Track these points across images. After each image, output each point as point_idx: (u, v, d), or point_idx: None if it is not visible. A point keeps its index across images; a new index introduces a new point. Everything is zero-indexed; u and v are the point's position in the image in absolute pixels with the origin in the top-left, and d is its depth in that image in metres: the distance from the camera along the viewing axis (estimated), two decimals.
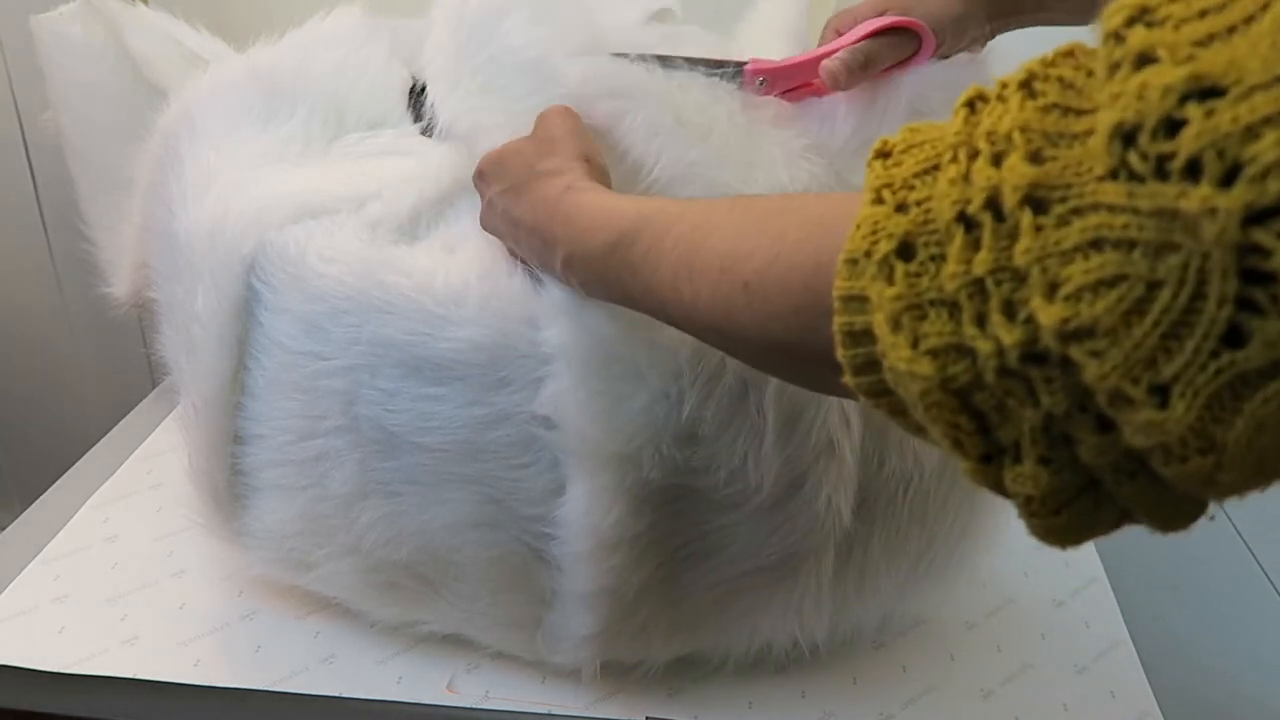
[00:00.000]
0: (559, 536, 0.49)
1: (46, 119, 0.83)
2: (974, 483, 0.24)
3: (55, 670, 0.56)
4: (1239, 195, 0.18)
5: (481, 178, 0.48)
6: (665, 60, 0.50)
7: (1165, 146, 0.19)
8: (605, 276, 0.38)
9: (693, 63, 0.51)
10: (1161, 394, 0.20)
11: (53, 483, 0.75)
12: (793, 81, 0.51)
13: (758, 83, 0.51)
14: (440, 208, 0.53)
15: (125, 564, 0.65)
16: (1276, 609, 0.65)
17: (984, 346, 0.22)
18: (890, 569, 0.52)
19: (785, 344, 0.30)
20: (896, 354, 0.24)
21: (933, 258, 0.23)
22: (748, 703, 0.55)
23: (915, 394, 0.24)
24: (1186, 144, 0.19)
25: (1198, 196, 0.18)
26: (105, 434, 0.81)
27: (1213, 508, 0.23)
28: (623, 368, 0.45)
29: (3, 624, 0.60)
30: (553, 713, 0.54)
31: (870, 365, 0.25)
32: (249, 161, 0.55)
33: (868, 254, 0.25)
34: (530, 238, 0.44)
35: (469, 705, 0.55)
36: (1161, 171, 0.19)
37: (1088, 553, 0.68)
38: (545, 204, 0.42)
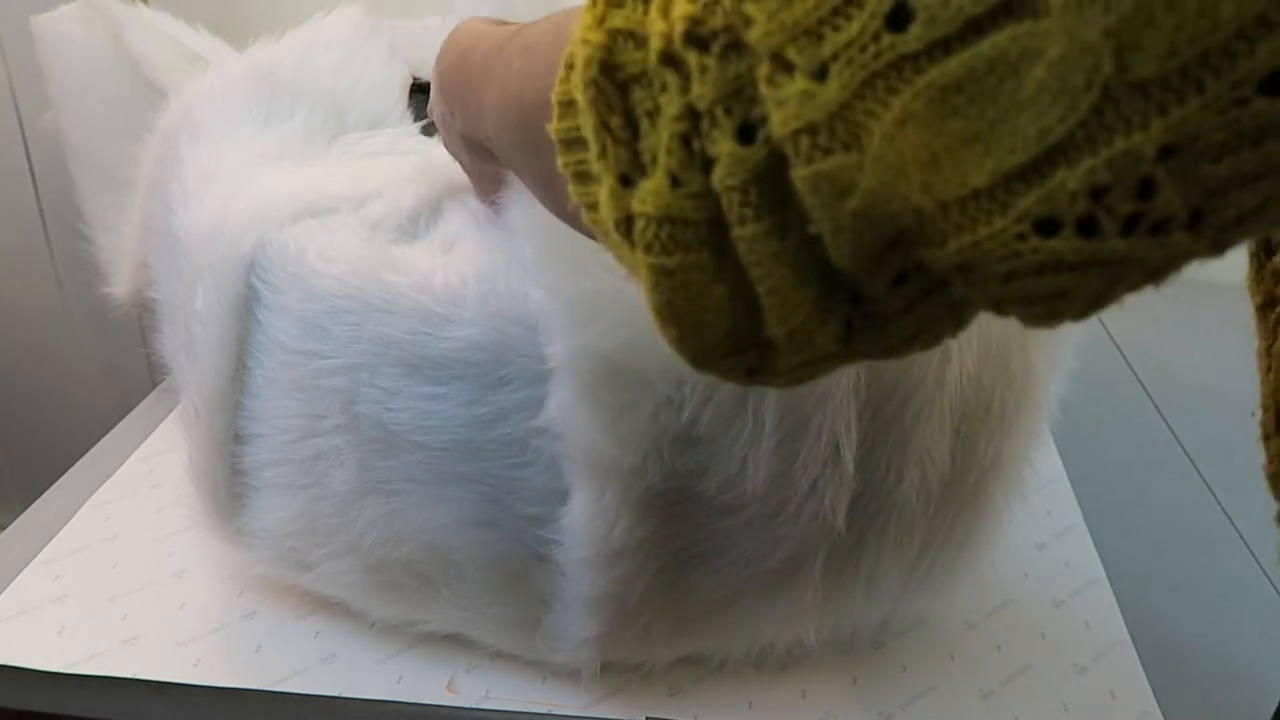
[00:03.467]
0: (562, 543, 0.48)
1: (46, 119, 0.83)
2: (606, 215, 0.24)
3: (55, 670, 0.56)
4: None
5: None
6: None
7: None
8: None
9: None
10: (821, 73, 0.19)
11: (53, 483, 0.75)
12: None
13: None
14: (439, 207, 0.53)
15: (125, 564, 0.65)
16: (1277, 609, 0.65)
17: (657, 27, 0.22)
18: (892, 574, 0.52)
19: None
20: (583, 27, 0.23)
21: None
22: (748, 703, 0.55)
23: (582, 78, 0.23)
24: None
25: None
26: (105, 434, 0.81)
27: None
28: (628, 378, 0.44)
29: (3, 624, 0.60)
30: (553, 713, 0.54)
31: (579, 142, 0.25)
32: (249, 161, 0.55)
33: None
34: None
35: (469, 705, 0.55)
36: None
37: (1088, 553, 0.68)
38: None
